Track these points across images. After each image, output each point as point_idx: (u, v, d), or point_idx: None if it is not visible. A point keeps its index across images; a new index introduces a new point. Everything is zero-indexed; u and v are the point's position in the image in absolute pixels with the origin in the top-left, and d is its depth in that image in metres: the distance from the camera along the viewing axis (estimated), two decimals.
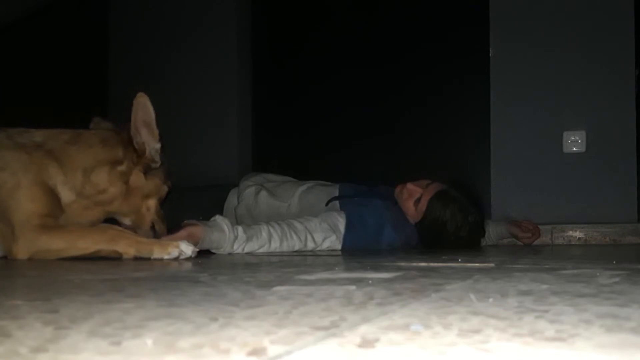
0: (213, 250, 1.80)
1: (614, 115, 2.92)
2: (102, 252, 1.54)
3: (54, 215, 1.59)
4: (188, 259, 1.55)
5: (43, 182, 1.58)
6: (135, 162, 1.70)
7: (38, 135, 1.65)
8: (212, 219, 1.81)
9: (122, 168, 1.68)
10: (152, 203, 1.74)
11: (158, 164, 1.74)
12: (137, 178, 1.70)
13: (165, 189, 1.78)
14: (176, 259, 1.55)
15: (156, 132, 1.70)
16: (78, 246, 1.54)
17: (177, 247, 1.56)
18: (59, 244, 1.53)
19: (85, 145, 1.67)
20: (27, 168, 1.56)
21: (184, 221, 1.77)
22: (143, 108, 1.66)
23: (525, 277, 0.99)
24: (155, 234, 1.74)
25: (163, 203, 1.82)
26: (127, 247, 1.54)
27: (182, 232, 1.69)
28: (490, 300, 0.71)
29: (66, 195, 1.63)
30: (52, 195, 1.60)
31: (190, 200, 2.49)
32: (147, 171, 1.72)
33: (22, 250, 1.52)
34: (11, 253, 1.53)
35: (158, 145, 1.72)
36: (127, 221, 1.75)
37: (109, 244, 1.54)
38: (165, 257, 1.54)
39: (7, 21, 4.67)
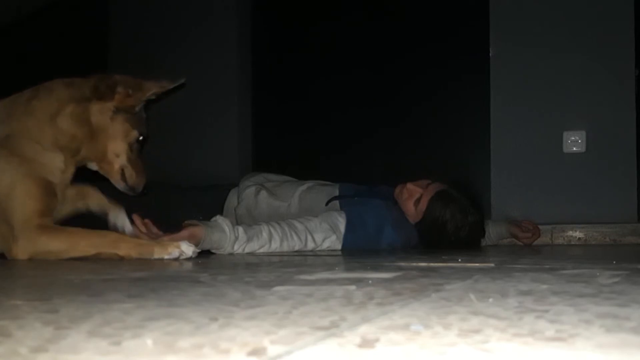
0: (213, 251, 1.80)
1: (614, 115, 2.92)
2: (102, 254, 1.54)
3: (51, 207, 1.59)
4: (188, 259, 1.56)
5: (34, 173, 1.57)
6: (104, 98, 1.65)
7: (0, 109, 1.62)
8: (213, 219, 1.81)
9: (86, 105, 1.64)
10: (119, 147, 1.68)
11: (136, 111, 1.71)
12: (102, 116, 1.65)
13: (134, 134, 1.71)
14: (176, 259, 1.55)
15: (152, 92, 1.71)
16: (78, 248, 1.54)
17: (178, 247, 1.56)
18: (59, 245, 1.53)
19: (46, 92, 1.64)
20: (15, 164, 1.55)
21: (184, 221, 1.77)
22: (172, 86, 1.72)
23: (525, 277, 0.99)
24: (127, 183, 1.72)
25: (141, 154, 1.78)
26: (128, 250, 1.54)
27: (184, 233, 1.69)
28: (490, 300, 0.71)
29: (56, 161, 1.61)
30: (47, 184, 1.59)
31: (190, 200, 2.49)
32: (118, 112, 1.66)
33: (22, 251, 1.52)
34: (11, 254, 1.53)
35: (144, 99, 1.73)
36: (93, 166, 1.72)
37: (110, 247, 1.55)
38: (166, 257, 1.54)
39: (7, 21, 4.67)
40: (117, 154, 1.69)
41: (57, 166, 1.64)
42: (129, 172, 1.71)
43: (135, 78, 1.70)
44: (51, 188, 1.61)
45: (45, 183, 1.59)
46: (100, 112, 1.65)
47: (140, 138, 1.73)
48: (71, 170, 1.69)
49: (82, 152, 1.67)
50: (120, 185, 1.72)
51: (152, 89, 1.69)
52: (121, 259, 1.54)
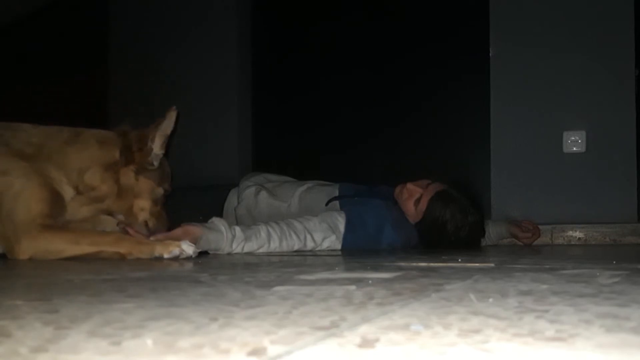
0: (212, 252, 1.80)
1: (614, 115, 2.92)
2: (104, 253, 1.55)
3: (57, 214, 1.61)
4: (188, 259, 1.56)
5: (48, 183, 1.60)
6: (127, 162, 1.72)
7: (35, 134, 1.67)
8: (210, 220, 1.81)
9: (115, 168, 1.72)
10: (145, 203, 1.75)
11: (154, 168, 1.77)
12: (127, 177, 1.72)
13: (160, 191, 1.78)
14: (177, 258, 1.55)
15: (165, 143, 1.78)
16: (80, 247, 1.55)
17: (179, 246, 1.57)
18: (61, 244, 1.55)
19: (82, 146, 1.70)
20: (30, 172, 1.58)
21: (183, 222, 1.77)
22: (169, 122, 1.75)
23: (525, 277, 0.99)
24: (149, 231, 1.75)
25: (165, 205, 1.83)
26: (129, 248, 1.56)
27: (178, 230, 1.70)
28: (490, 300, 0.71)
29: (68, 192, 1.67)
30: (57, 195, 1.62)
31: (190, 200, 2.49)
32: (140, 172, 1.73)
33: (24, 250, 1.53)
34: (13, 253, 1.54)
35: (161, 154, 1.78)
36: (120, 217, 1.77)
37: (111, 246, 1.56)
38: (166, 255, 1.55)
39: (7, 21, 4.67)
40: (142, 208, 1.76)
41: (68, 190, 1.68)
42: (152, 223, 1.77)
43: (142, 130, 1.75)
44: (61, 199, 1.64)
45: (55, 192, 1.63)
46: (125, 175, 1.73)
47: (165, 193, 1.81)
48: (86, 210, 1.72)
49: (106, 202, 1.72)
50: (143, 231, 1.76)
51: (151, 134, 1.73)
52: (122, 257, 1.55)
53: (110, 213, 1.77)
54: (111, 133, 1.77)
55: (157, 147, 1.74)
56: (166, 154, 1.82)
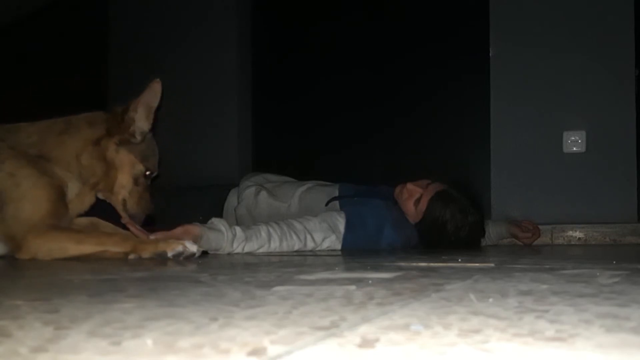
0: (213, 252, 1.80)
1: (614, 115, 2.92)
2: (107, 252, 1.57)
3: (62, 214, 1.63)
4: (189, 259, 1.55)
5: (53, 183, 1.63)
6: (112, 133, 1.72)
7: (33, 132, 1.69)
8: (210, 221, 1.82)
9: (103, 143, 1.73)
10: (125, 179, 1.74)
11: (137, 141, 1.76)
12: (110, 150, 1.73)
13: (141, 167, 1.76)
14: (180, 255, 1.54)
15: (151, 117, 1.76)
16: (85, 246, 1.57)
17: (182, 244, 1.57)
18: (66, 243, 1.57)
19: (74, 131, 1.72)
20: (37, 173, 1.60)
21: (182, 222, 1.77)
22: (152, 92, 1.75)
23: (525, 277, 0.99)
24: (128, 212, 1.75)
25: (151, 189, 1.82)
26: (132, 247, 1.57)
27: (178, 229, 1.70)
28: (490, 300, 0.71)
29: (74, 188, 1.69)
30: (62, 195, 1.65)
31: (190, 200, 2.49)
32: (122, 144, 1.73)
33: (31, 250, 1.54)
34: (19, 252, 1.55)
35: (147, 128, 1.77)
36: (100, 195, 1.78)
37: (115, 245, 1.58)
38: (170, 253, 1.54)
39: (7, 21, 4.67)
40: (122, 185, 1.75)
41: (75, 185, 1.70)
42: (130, 203, 1.76)
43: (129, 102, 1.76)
44: (64, 198, 1.67)
45: (60, 192, 1.66)
46: (108, 147, 1.73)
47: (148, 173, 1.78)
48: (89, 198, 1.75)
49: (101, 184, 1.75)
50: (123, 213, 1.77)
51: (133, 103, 1.74)
52: (125, 256, 1.55)
53: (99, 192, 1.78)
54: (100, 112, 1.79)
55: (140, 118, 1.74)
56: (153, 132, 1.81)
